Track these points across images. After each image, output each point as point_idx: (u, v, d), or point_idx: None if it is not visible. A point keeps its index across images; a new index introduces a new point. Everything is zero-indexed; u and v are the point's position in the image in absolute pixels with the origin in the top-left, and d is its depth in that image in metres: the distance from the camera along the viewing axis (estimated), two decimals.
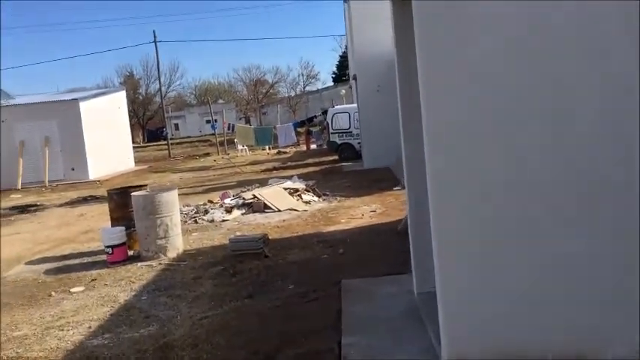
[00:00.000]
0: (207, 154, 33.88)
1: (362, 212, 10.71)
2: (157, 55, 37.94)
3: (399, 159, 16.40)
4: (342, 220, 10.17)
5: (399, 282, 5.75)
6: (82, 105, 23.89)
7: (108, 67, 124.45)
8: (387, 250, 7.68)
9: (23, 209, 16.14)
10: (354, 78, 18.41)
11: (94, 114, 24.78)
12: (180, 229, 8.87)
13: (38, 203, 17.28)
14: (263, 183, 14.63)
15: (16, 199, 19.56)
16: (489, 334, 3.47)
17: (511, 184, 3.39)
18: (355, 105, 21.47)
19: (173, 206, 8.67)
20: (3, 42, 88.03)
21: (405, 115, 5.03)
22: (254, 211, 11.58)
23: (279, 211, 11.38)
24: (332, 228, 9.65)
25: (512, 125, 3.36)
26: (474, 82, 3.36)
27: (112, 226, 9.27)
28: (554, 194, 3.37)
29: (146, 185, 9.84)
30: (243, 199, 12.05)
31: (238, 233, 9.72)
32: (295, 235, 9.38)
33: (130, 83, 61.66)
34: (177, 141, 52.48)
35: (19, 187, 22.26)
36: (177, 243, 8.70)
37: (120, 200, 9.21)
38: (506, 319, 3.46)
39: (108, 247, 8.41)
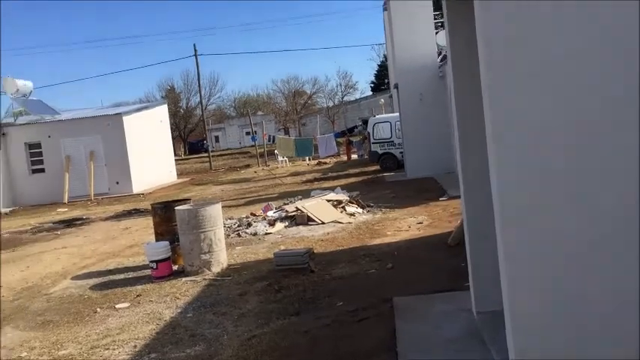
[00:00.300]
0: (248, 166, 34.00)
1: (408, 224, 10.40)
2: (198, 69, 38.46)
3: (446, 168, 16.21)
4: (389, 233, 9.88)
5: (455, 299, 5.45)
6: (126, 119, 24.24)
7: (150, 82, 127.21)
8: (438, 264, 7.37)
9: (69, 223, 16.36)
10: (396, 87, 18.13)
11: (137, 128, 25.13)
12: (224, 243, 8.74)
13: (84, 217, 17.51)
14: (305, 195, 14.45)
15: (63, 212, 19.89)
16: None
17: (591, 196, 3.07)
18: (397, 114, 21.17)
19: (217, 220, 8.54)
20: (51, 59, 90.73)
21: (461, 122, 4.73)
22: (297, 224, 11.39)
23: (323, 223, 11.17)
24: (378, 241, 9.38)
25: (592, 132, 3.05)
26: (546, 85, 3.07)
27: (156, 240, 9.22)
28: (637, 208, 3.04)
29: (189, 199, 9.76)
30: (286, 211, 11.88)
31: (282, 247, 9.54)
32: (340, 248, 9.14)
33: (171, 97, 62.68)
34: (218, 153, 53.00)
35: (66, 201, 22.68)
36: (221, 258, 8.57)
37: (164, 214, 9.15)
38: (588, 345, 3.13)
39: (152, 262, 8.33)
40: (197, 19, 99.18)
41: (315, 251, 8.66)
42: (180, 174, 30.65)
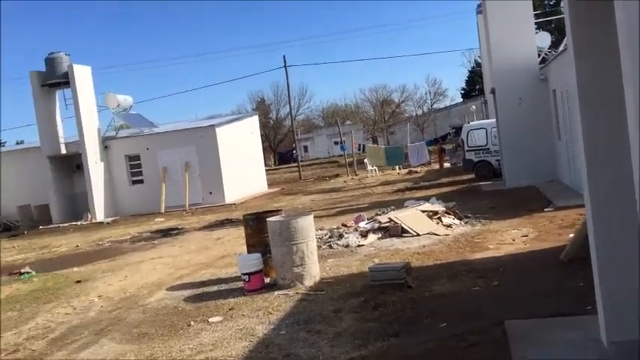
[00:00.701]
0: (337, 175, 33.83)
1: (512, 237, 9.66)
2: (287, 80, 38.84)
3: (547, 176, 15.17)
4: (491, 246, 9.21)
5: (578, 325, 4.81)
6: (218, 131, 24.73)
7: (241, 94, 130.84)
8: (551, 282, 6.68)
9: (166, 233, 16.75)
10: (492, 91, 17.25)
11: (229, 139, 25.59)
12: (316, 256, 8.44)
13: (179, 227, 17.89)
14: (398, 205, 13.94)
15: (160, 222, 20.48)
16: None
17: None
18: (492, 120, 20.21)
19: (309, 232, 8.26)
20: (148, 74, 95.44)
21: (588, 123, 4.14)
22: (391, 236, 10.93)
23: (418, 235, 10.64)
24: (480, 255, 8.74)
25: None
26: None
27: (248, 251, 9.08)
28: None
29: (281, 210, 9.57)
30: (379, 222, 11.44)
31: (376, 260, 9.11)
32: (439, 262, 8.60)
33: (261, 108, 63.94)
34: (307, 163, 53.35)
35: (163, 211, 23.39)
36: (313, 271, 8.27)
37: (256, 226, 8.99)
38: None
39: (245, 274, 8.16)
40: (286, 30, 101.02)
41: (411, 265, 8.17)
42: (270, 184, 30.95)
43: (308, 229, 8.23)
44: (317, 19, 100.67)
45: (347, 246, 10.72)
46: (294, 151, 65.68)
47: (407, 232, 10.83)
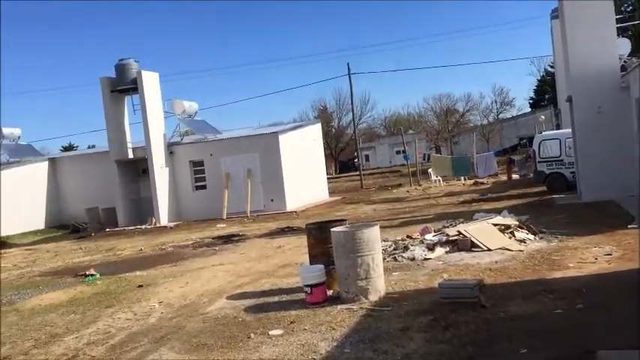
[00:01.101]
0: (400, 185, 33.24)
1: (594, 255, 8.96)
2: (351, 88, 38.58)
3: (629, 190, 14.16)
4: (571, 265, 8.56)
5: None
6: (281, 138, 24.71)
7: (304, 102, 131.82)
8: None
9: (227, 239, 16.73)
10: (569, 100, 16.37)
11: (292, 146, 25.53)
12: (382, 269, 8.05)
13: (240, 233, 17.85)
14: (466, 217, 13.38)
15: (222, 228, 20.55)
16: None
17: None
18: (567, 130, 19.27)
19: (375, 244, 7.88)
20: (214, 81, 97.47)
21: None
22: (459, 250, 10.40)
23: (489, 250, 10.07)
24: (559, 274, 8.12)
25: None
26: None
27: (310, 262, 8.79)
28: None
29: (345, 220, 9.23)
30: (447, 235, 10.92)
31: (445, 276, 8.63)
32: (513, 280, 8.04)
33: (323, 116, 64.02)
34: (368, 172, 52.88)
35: (225, 217, 23.52)
36: (379, 285, 7.88)
37: (319, 236, 8.68)
38: None
39: (307, 286, 7.86)
40: (349, 37, 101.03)
41: (484, 283, 7.65)
42: (331, 192, 30.72)
43: (374, 240, 7.86)
44: (380, 26, 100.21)
45: (413, 259, 10.27)
46: (356, 160, 65.40)
47: (477, 246, 10.28)
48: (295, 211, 23.16)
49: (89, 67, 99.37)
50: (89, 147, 48.57)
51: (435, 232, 11.70)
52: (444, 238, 10.89)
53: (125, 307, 9.09)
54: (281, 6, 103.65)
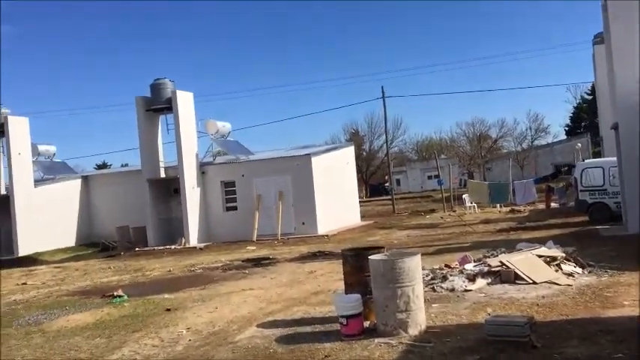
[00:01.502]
0: (433, 211, 32.58)
1: None
2: (385, 111, 38.18)
3: None
4: (626, 303, 7.96)
5: None
6: (314, 160, 24.42)
7: (335, 124, 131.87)
8: None
9: (257, 262, 16.39)
10: (615, 127, 15.73)
11: (324, 169, 25.22)
12: (422, 301, 7.58)
13: (271, 257, 17.50)
14: (505, 246, 12.80)
15: (252, 251, 20.25)
16: None
17: None
18: (611, 159, 18.57)
19: (415, 274, 7.43)
20: (238, 105, 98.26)
21: None
22: (502, 282, 9.85)
23: (535, 283, 9.50)
24: (613, 312, 7.54)
25: None
26: None
27: (345, 291, 8.39)
28: None
29: (383, 247, 8.80)
30: (489, 265, 10.38)
31: (489, 310, 8.12)
32: (564, 318, 7.48)
33: (355, 139, 63.71)
34: (399, 196, 52.16)
35: (255, 239, 23.22)
36: (419, 318, 7.41)
37: (355, 263, 8.27)
38: None
39: (342, 317, 7.43)
40: (382, 60, 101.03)
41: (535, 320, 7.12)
42: (362, 216, 30.22)
43: (414, 270, 7.41)
44: (412, 50, 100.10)
45: (452, 290, 9.76)
46: (387, 184, 64.73)
47: (521, 278, 9.72)
48: (327, 235, 22.74)
49: (126, 86, 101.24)
50: (122, 165, 49.10)
51: (475, 261, 11.17)
52: (486, 269, 10.35)
53: (152, 332, 8.78)
54: (313, 29, 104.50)
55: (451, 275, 10.52)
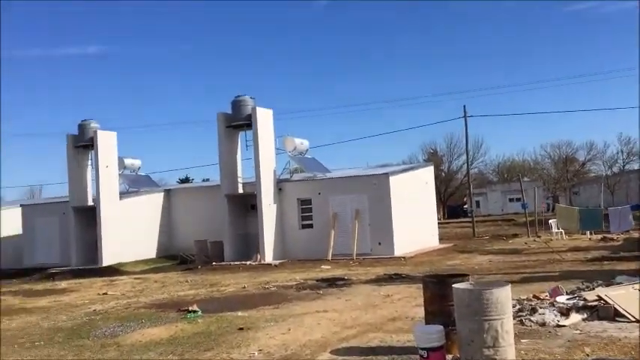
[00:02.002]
0: (516, 235, 31.11)
1: None
2: (467, 131, 37.11)
3: None
4: None
5: None
6: (392, 179, 23.89)
7: (412, 144, 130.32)
8: None
9: (332, 283, 16.01)
10: None
11: (403, 189, 24.62)
12: (512, 337, 6.90)
13: (346, 277, 17.08)
14: (600, 277, 11.78)
15: (326, 270, 19.90)
16: None
17: None
18: None
19: (505, 307, 6.79)
20: (332, 120, 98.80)
21: None
22: (600, 318, 8.95)
23: (638, 322, 8.56)
24: None
25: None
26: None
27: (426, 320, 7.84)
28: None
29: (468, 275, 8.19)
30: (584, 299, 9.50)
31: (587, 350, 7.32)
32: None
33: (433, 159, 62.51)
34: (479, 219, 50.49)
35: (330, 258, 22.88)
36: (508, 355, 6.74)
37: (437, 291, 7.72)
38: None
39: (423, 349, 6.89)
40: (463, 79, 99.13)
41: None
42: (440, 238, 29.25)
43: (504, 303, 6.77)
44: (495, 68, 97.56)
45: (543, 324, 8.96)
46: (466, 205, 62.99)
47: (622, 315, 8.79)
48: (404, 257, 22.07)
49: (212, 103, 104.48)
50: (203, 180, 50.29)
51: (567, 293, 10.29)
52: (581, 303, 9.47)
53: (224, 351, 8.54)
54: (395, 46, 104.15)
55: (541, 307, 9.71)
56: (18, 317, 13.60)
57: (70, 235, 27.66)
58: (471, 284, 7.34)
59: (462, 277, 8.00)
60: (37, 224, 30.03)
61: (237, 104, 25.59)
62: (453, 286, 7.20)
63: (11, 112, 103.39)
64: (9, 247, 30.65)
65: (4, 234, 31.26)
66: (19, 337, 10.87)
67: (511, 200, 65.97)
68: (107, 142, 27.47)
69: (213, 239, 25.66)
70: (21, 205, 32.08)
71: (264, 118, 25.23)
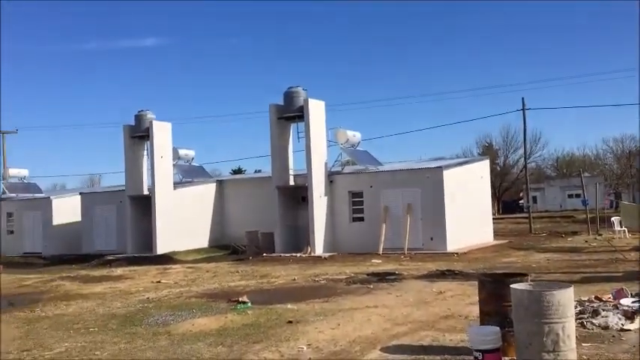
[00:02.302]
0: (575, 233, 30.03)
1: None
2: (525, 124, 35.96)
3: None
4: None
5: None
6: (446, 173, 23.39)
7: (467, 137, 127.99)
8: None
9: (382, 277, 15.79)
10: None
11: (456, 183, 24.09)
12: (574, 341, 6.57)
13: (397, 272, 16.82)
14: None
15: (377, 264, 19.70)
16: None
17: None
18: None
19: (567, 310, 6.45)
20: (378, 113, 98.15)
21: None
22: None
23: None
24: None
25: None
26: None
27: (480, 320, 7.57)
28: None
29: (527, 275, 7.85)
30: None
31: None
32: None
33: (488, 153, 61.07)
34: (536, 215, 49.05)
35: (380, 253, 22.64)
36: None
37: (494, 290, 7.44)
38: None
39: (478, 351, 6.63)
40: (521, 70, 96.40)
41: None
42: (495, 234, 28.51)
43: (566, 305, 6.44)
44: (554, 60, 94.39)
45: (606, 327, 8.53)
46: (521, 201, 61.35)
47: None
48: (456, 253, 21.60)
49: (264, 95, 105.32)
50: (255, 171, 50.74)
51: (632, 296, 9.77)
52: None
53: (272, 345, 8.49)
54: (447, 39, 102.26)
55: (604, 310, 9.25)
56: (74, 303, 13.99)
57: (126, 223, 28.38)
58: (530, 284, 7.03)
59: (520, 276, 7.69)
60: (95, 212, 30.97)
61: (289, 96, 25.56)
62: (511, 286, 6.91)
63: (83, 103, 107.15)
64: (68, 233, 31.73)
65: (65, 220, 32.37)
66: (74, 323, 11.15)
67: (570, 196, 63.91)
68: (162, 132, 28.00)
69: (264, 230, 25.81)
70: (80, 194, 33.14)
71: (316, 109, 25.13)
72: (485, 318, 7.48)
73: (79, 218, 31.54)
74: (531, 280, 7.43)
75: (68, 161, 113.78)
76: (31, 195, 35.41)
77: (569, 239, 26.95)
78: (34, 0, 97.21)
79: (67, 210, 32.64)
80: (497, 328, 6.78)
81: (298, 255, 23.59)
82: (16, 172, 36.79)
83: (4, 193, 35.86)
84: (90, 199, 31.84)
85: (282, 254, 24.14)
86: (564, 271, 15.56)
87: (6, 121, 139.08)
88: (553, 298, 6.37)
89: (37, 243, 32.96)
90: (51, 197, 33.98)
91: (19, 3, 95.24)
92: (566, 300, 6.42)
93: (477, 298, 7.93)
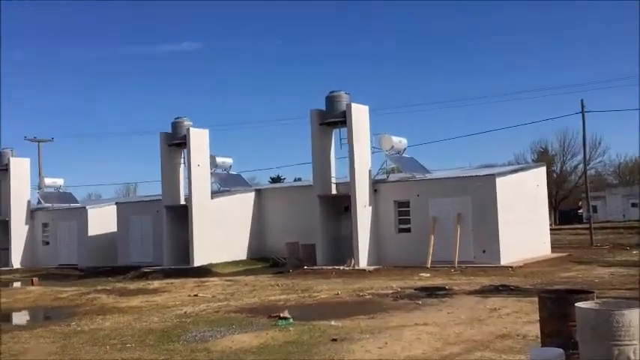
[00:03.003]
0: None
1: None
2: (584, 128, 35.01)
3: None
4: None
5: None
6: (499, 181, 22.97)
7: (519, 143, 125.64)
8: None
9: (431, 292, 15.59)
10: None
11: (510, 191, 23.62)
12: None
13: (447, 287, 16.57)
14: None
15: (425, 278, 19.46)
16: None
17: None
18: None
19: (637, 331, 6.20)
20: (424, 117, 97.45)
21: None
22: None
23: None
24: None
25: None
26: None
27: (542, 341, 7.37)
28: None
29: (592, 293, 7.58)
30: None
31: None
32: None
33: (543, 159, 59.80)
34: (597, 225, 47.68)
35: (429, 266, 22.35)
36: None
37: (556, 309, 7.23)
38: None
39: None
40: (581, 71, 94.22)
41: None
42: (552, 247, 27.81)
43: (637, 326, 6.19)
44: (616, 58, 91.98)
45: None
46: (580, 210, 59.75)
47: None
48: (511, 266, 21.14)
49: (305, 100, 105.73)
50: (295, 180, 50.95)
51: None
52: None
53: None
54: (502, 34, 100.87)
55: None
56: (111, 317, 14.24)
57: (163, 234, 28.76)
58: (597, 303, 6.79)
59: (585, 293, 7.44)
60: (131, 222, 31.54)
61: (331, 100, 25.53)
62: (576, 304, 6.69)
63: (119, 110, 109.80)
64: (104, 244, 32.42)
65: (101, 231, 33.11)
66: (111, 338, 11.34)
67: (634, 205, 61.94)
68: (199, 140, 28.36)
69: (304, 242, 25.80)
70: (116, 203, 33.84)
71: (360, 114, 25.04)
72: (546, 339, 7.28)
73: (114, 229, 32.17)
74: (597, 298, 7.17)
75: (103, 170, 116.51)
76: (67, 205, 36.33)
77: (634, 252, 26.06)
78: (66, 4, 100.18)
79: (102, 220, 33.39)
80: (561, 350, 6.56)
81: (341, 268, 23.48)
82: (51, 181, 37.72)
83: (39, 202, 36.92)
84: (126, 209, 32.46)
85: (324, 267, 24.07)
86: (630, 288, 15.04)
87: (42, 127, 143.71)
88: (623, 318, 6.13)
89: (72, 254, 33.80)
90: (87, 207, 34.82)
91: (49, 8, 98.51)
92: (637, 320, 6.17)
93: (536, 316, 7.74)
